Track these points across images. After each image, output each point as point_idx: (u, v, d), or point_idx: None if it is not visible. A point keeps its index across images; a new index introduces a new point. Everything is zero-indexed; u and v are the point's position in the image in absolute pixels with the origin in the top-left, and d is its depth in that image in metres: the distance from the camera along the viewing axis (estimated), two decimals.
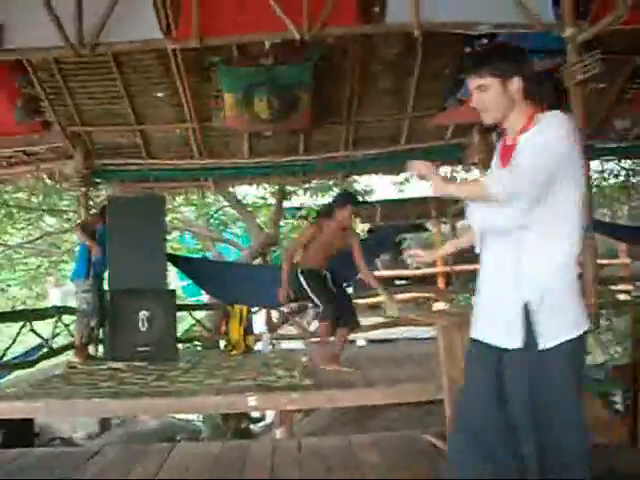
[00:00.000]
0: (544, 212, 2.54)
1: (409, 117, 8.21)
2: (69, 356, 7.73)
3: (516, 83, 2.63)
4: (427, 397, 5.02)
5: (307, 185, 11.69)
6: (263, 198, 13.93)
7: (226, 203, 13.81)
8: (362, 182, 12.78)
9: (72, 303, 14.26)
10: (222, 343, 8.34)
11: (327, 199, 13.28)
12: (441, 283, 14.14)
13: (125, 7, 5.50)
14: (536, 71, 2.87)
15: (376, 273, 13.92)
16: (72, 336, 8.18)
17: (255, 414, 10.28)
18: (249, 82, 7.06)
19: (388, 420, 6.54)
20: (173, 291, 7.97)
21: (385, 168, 9.27)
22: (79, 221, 8.21)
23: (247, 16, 5.58)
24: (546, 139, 2.50)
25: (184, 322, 10.64)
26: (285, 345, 9.29)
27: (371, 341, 10.42)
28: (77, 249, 8.62)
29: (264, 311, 9.35)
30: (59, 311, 8.38)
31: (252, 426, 10.10)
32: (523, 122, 2.64)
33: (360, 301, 10.62)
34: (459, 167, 10.94)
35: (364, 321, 9.76)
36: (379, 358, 6.99)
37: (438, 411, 4.51)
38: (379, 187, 13.78)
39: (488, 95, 2.66)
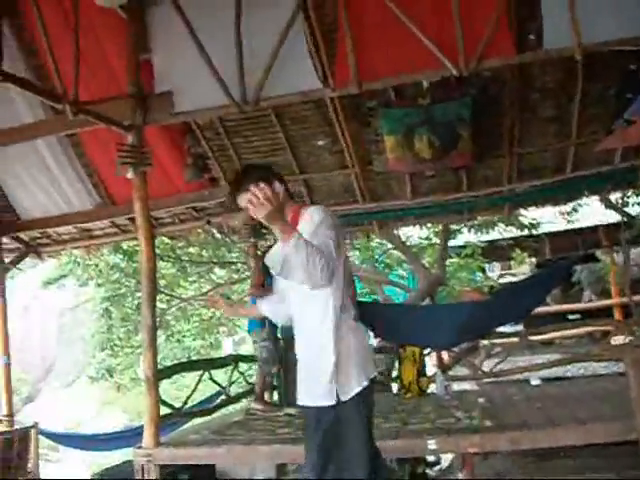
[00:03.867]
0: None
1: (574, 144, 7.80)
2: (247, 403, 7.89)
3: (277, 186, 3.23)
4: (618, 438, 4.72)
5: (472, 222, 11.44)
6: (427, 238, 13.81)
7: (390, 245, 13.80)
8: (528, 215, 12.34)
9: (243, 351, 14.77)
10: (395, 386, 8.25)
11: (493, 235, 13.02)
12: (618, 315, 13.44)
13: (282, 61, 5.67)
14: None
15: (547, 308, 13.54)
16: (248, 383, 8.38)
17: (431, 457, 10.05)
18: (409, 123, 7.05)
19: (570, 463, 6.21)
20: None
21: (551, 199, 8.90)
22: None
23: (402, 57, 5.58)
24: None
25: None
26: (456, 386, 9.08)
27: (545, 379, 10.00)
28: (248, 300, 8.82)
29: (434, 353, 9.19)
30: (236, 359, 8.62)
31: (428, 470, 9.87)
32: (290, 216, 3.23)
33: (533, 337, 10.26)
34: (630, 192, 10.46)
35: (537, 358, 9.41)
36: (559, 397, 6.69)
37: (628, 454, 4.25)
38: (546, 219, 13.29)
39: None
